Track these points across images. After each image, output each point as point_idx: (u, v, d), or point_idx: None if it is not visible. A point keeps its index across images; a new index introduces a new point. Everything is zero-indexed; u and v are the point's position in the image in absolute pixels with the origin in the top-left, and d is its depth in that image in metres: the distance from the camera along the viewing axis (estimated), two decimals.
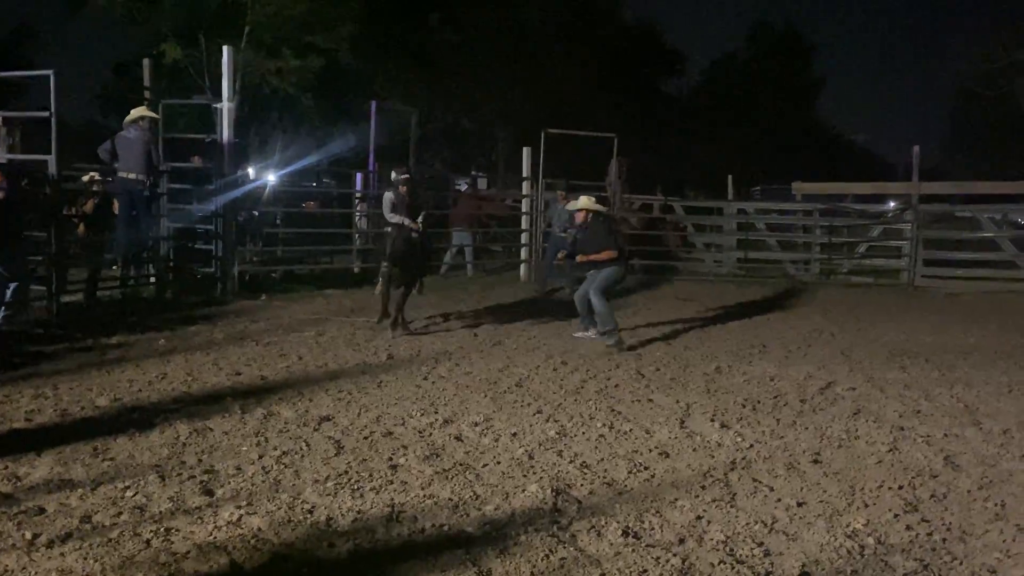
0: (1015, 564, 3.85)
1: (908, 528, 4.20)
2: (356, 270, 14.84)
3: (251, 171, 15.55)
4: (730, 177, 21.29)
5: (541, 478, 4.75)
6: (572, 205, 9.70)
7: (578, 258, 9.34)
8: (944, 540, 4.07)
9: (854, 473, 4.99)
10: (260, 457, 4.98)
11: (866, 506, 4.48)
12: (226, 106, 11.83)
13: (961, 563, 3.84)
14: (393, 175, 9.33)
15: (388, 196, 9.29)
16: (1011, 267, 15.61)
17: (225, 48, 12.01)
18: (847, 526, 4.19)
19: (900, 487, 4.76)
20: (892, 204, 20.50)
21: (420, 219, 9.23)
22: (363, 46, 24.28)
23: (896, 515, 4.35)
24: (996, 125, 29.48)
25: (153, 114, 11.10)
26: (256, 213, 13.61)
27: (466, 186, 17.56)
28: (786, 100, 43.68)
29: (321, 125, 26.06)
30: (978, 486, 4.82)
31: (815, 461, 5.20)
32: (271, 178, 16.81)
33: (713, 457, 5.24)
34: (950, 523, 4.28)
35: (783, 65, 44.06)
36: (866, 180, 24.95)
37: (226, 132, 11.83)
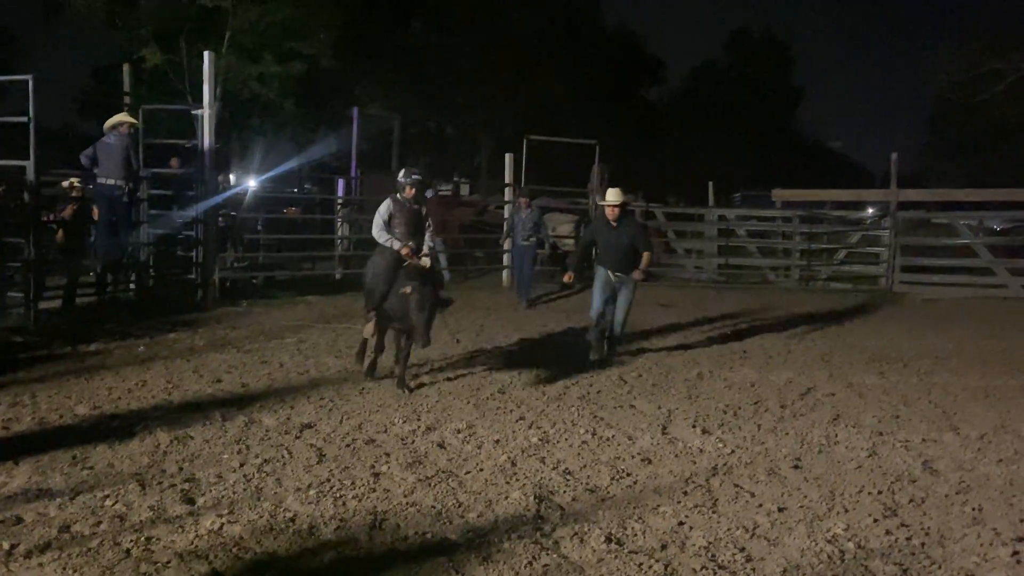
0: (992, 568, 3.89)
1: (887, 533, 4.24)
2: (338, 276, 14.79)
3: (232, 177, 15.46)
4: (711, 184, 21.41)
5: (524, 485, 4.76)
6: (600, 199, 8.54)
7: (635, 275, 8.26)
8: (923, 544, 4.12)
9: (834, 478, 5.03)
10: (241, 465, 4.96)
11: (846, 511, 4.52)
12: (207, 112, 11.77)
13: (940, 567, 3.88)
14: (401, 175, 7.17)
15: (385, 205, 7.07)
16: (987, 273, 15.78)
17: (206, 53, 11.95)
18: (827, 531, 4.23)
19: (879, 492, 4.81)
20: (871, 211, 20.69)
21: (425, 248, 7.11)
22: (345, 52, 24.26)
23: (875, 520, 4.40)
24: (973, 133, 29.86)
25: (133, 119, 11.03)
26: (234, 215, 13.52)
27: (432, 193, 17.44)
28: (766, 107, 44.04)
29: (303, 131, 26.00)
30: (956, 490, 4.88)
31: (796, 466, 5.24)
32: (252, 184, 16.73)
33: (695, 463, 5.26)
34: (929, 527, 4.32)
35: (763, 72, 44.42)
36: (845, 187, 25.16)
37: (207, 138, 11.77)
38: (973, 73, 22.64)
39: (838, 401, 7.03)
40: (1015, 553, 4.03)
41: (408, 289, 6.61)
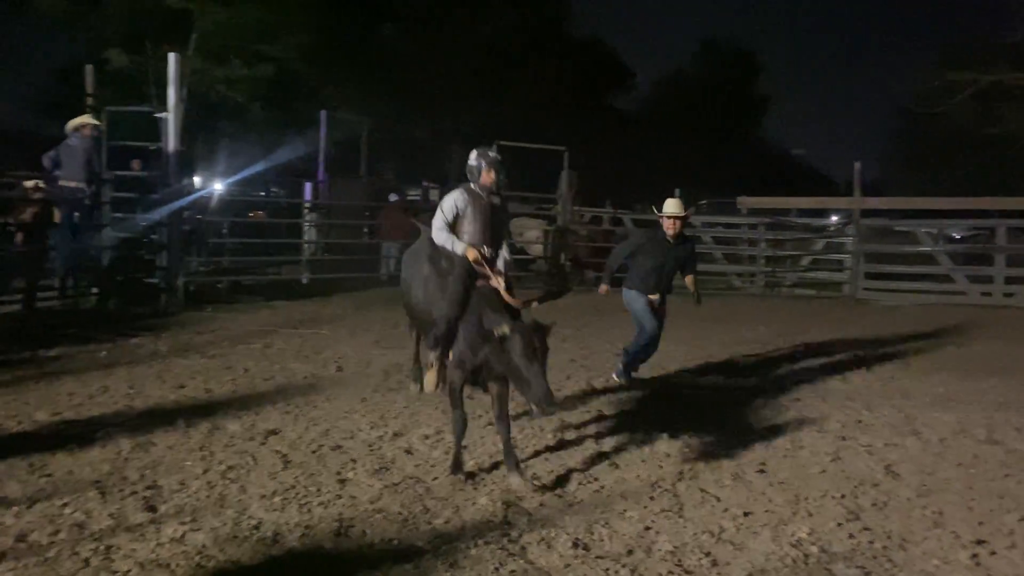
0: (952, 571, 3.96)
1: (851, 536, 4.29)
2: (305, 281, 14.68)
3: (197, 180, 15.31)
4: (677, 191, 21.56)
5: (491, 491, 4.75)
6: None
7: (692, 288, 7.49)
8: (885, 548, 4.17)
9: (798, 482, 5.08)
10: (205, 472, 4.89)
11: (810, 515, 4.57)
12: (171, 115, 11.65)
13: (901, 570, 3.94)
14: (473, 156, 5.25)
15: (452, 197, 5.26)
16: (947, 281, 16.08)
17: (171, 55, 11.83)
18: (792, 535, 4.27)
19: (843, 496, 4.87)
20: (834, 219, 20.99)
21: (500, 263, 5.21)
22: (315, 55, 24.11)
23: (839, 523, 4.45)
24: (933, 143, 30.44)
25: (95, 121, 10.89)
26: (200, 218, 13.38)
27: (395, 197, 17.41)
28: (733, 116, 44.53)
29: (270, 134, 25.78)
30: (917, 494, 4.95)
31: (761, 471, 5.28)
32: (218, 187, 16.59)
33: (661, 468, 5.29)
34: (891, 531, 4.38)
35: (730, 82, 44.93)
36: (809, 195, 25.50)
37: (171, 141, 11.65)
38: (933, 84, 23.10)
39: (802, 406, 7.10)
40: (974, 556, 4.10)
41: (505, 329, 4.66)
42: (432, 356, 5.16)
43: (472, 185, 5.24)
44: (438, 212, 5.20)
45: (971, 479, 5.26)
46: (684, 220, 7.41)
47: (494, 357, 4.76)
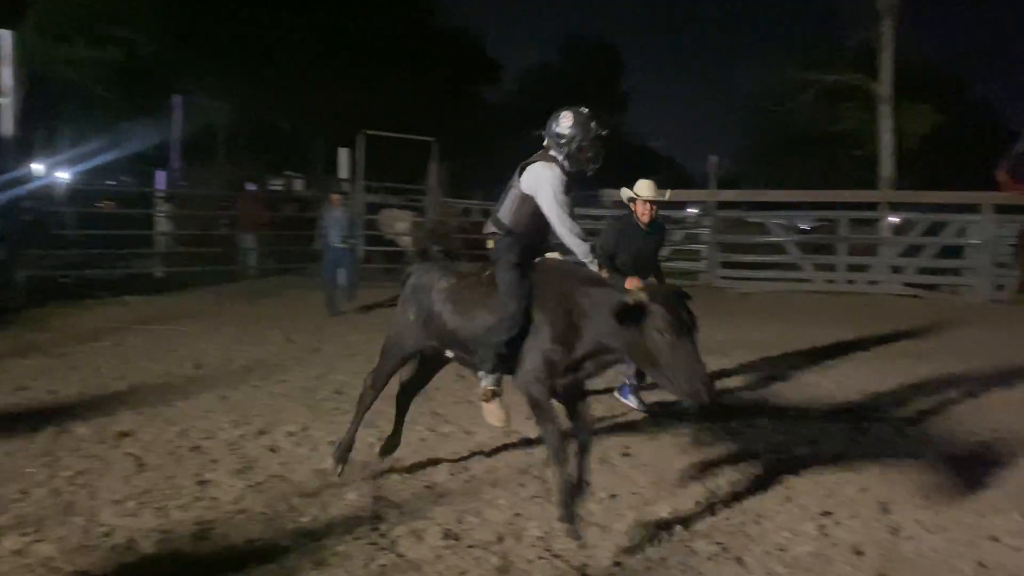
0: (802, 542, 4.20)
1: (710, 514, 4.48)
2: (158, 275, 13.98)
3: (39, 168, 14.33)
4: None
5: (360, 486, 4.67)
6: (626, 194, 6.54)
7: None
8: (741, 523, 4.38)
9: (661, 465, 5.26)
10: (50, 478, 4.60)
11: (672, 495, 4.73)
12: (6, 98, 10.84)
13: (756, 543, 4.15)
14: (567, 122, 4.22)
15: (556, 174, 4.19)
16: (795, 269, 17.05)
17: (4, 32, 10.98)
18: (655, 515, 4.41)
19: (702, 476, 5.07)
20: (691, 210, 21.83)
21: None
22: (167, 38, 22.94)
23: (698, 502, 4.63)
24: (782, 139, 32.14)
25: None
26: (43, 208, 12.51)
27: (253, 187, 16.87)
28: (596, 108, 45.53)
29: (117, 120, 24.37)
30: (770, 471, 5.21)
31: (625, 455, 5.44)
32: (63, 175, 15.58)
33: (530, 455, 5.35)
34: (746, 507, 4.60)
35: (594, 75, 45.98)
36: (668, 187, 26.43)
37: (6, 125, 10.85)
38: (780, 83, 24.47)
39: (664, 391, 7.32)
40: (821, 526, 4.37)
41: (642, 296, 3.72)
42: (488, 382, 4.28)
43: (562, 159, 4.14)
44: (555, 198, 4.09)
45: (817, 452, 5.59)
46: (659, 205, 6.53)
47: (617, 339, 3.75)
